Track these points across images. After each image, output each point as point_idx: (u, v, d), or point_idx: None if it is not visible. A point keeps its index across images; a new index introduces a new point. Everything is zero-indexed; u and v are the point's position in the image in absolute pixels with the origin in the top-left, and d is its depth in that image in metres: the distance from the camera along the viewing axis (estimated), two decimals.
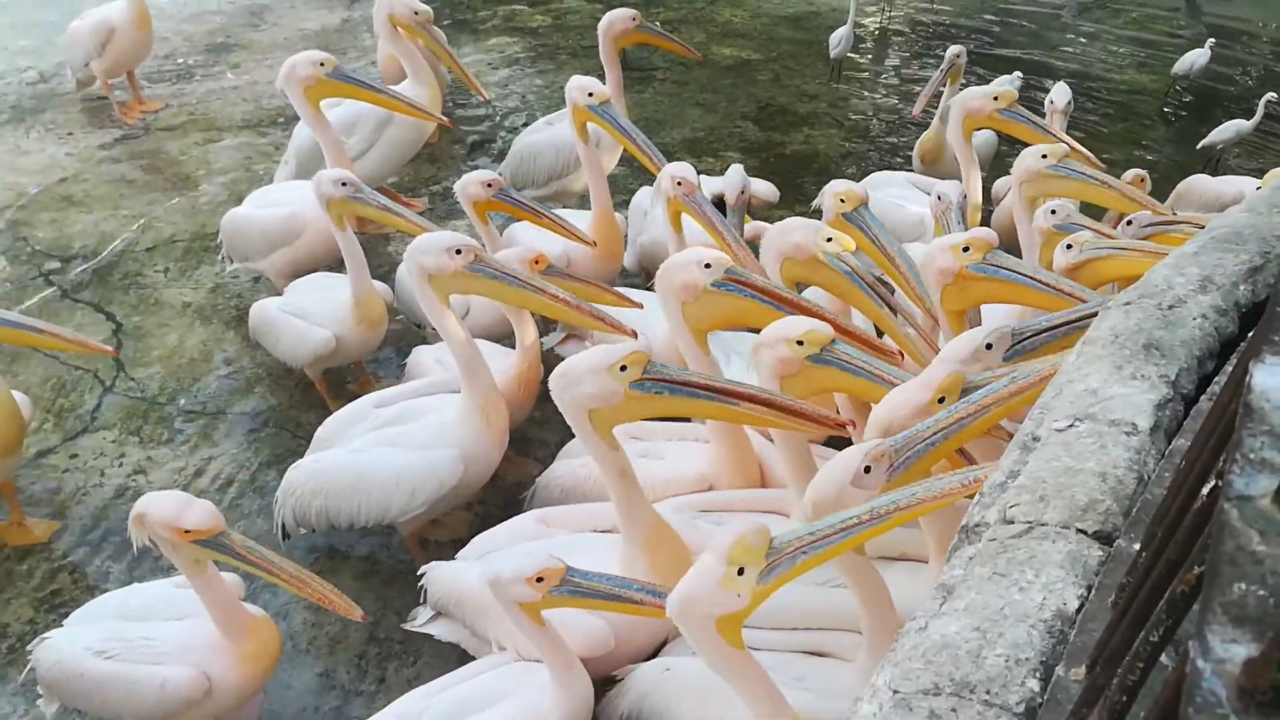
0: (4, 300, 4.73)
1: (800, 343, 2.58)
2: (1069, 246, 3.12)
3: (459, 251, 3.04)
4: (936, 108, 5.35)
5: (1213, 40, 6.78)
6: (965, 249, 2.88)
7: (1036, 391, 2.21)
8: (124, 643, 2.76)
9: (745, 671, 2.08)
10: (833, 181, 3.57)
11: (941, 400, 2.35)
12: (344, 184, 3.65)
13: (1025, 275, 2.88)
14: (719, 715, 2.38)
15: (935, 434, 2.15)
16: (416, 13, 4.79)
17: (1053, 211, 3.40)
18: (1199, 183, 4.75)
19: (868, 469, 2.14)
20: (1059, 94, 4.41)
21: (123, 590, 3.10)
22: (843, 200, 3.45)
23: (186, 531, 2.57)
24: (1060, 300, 2.80)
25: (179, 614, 2.83)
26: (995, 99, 4.05)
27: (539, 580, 2.34)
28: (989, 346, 2.52)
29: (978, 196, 4.19)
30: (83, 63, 6.04)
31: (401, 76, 5.59)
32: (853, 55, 7.32)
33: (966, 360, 2.43)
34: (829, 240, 3.08)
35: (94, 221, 5.43)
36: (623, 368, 2.44)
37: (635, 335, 3.10)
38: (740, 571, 1.94)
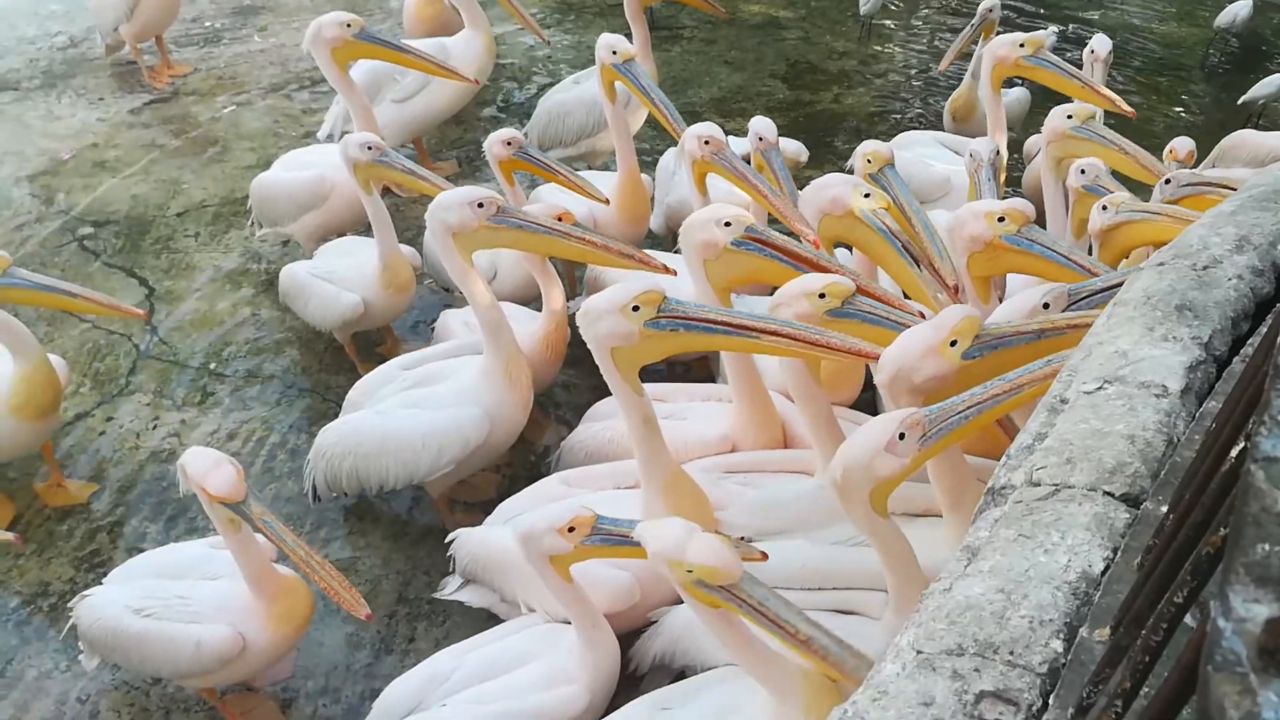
0: (38, 264, 4.80)
1: (822, 295, 2.56)
2: (1104, 208, 3.07)
3: (481, 205, 3.03)
4: (968, 65, 5.24)
5: None
6: (1001, 219, 2.84)
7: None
8: (161, 601, 2.82)
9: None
10: (865, 142, 3.53)
11: (954, 344, 2.33)
12: (370, 148, 3.65)
13: (1060, 254, 2.84)
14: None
15: (970, 408, 2.15)
16: None
17: (1082, 171, 3.34)
18: (1246, 137, 4.62)
19: (902, 435, 2.11)
20: (1100, 43, 4.30)
21: (161, 549, 3.17)
22: (869, 160, 3.41)
23: (212, 495, 2.61)
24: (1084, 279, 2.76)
25: (215, 574, 2.88)
26: (1022, 45, 4.00)
27: (570, 530, 2.36)
28: (1046, 306, 2.50)
29: (1004, 152, 4.13)
30: (112, 27, 6.06)
31: (430, 35, 5.60)
32: (884, 12, 7.18)
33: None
34: (867, 196, 3.05)
35: (125, 186, 5.48)
36: (635, 308, 2.45)
37: (674, 273, 3.09)
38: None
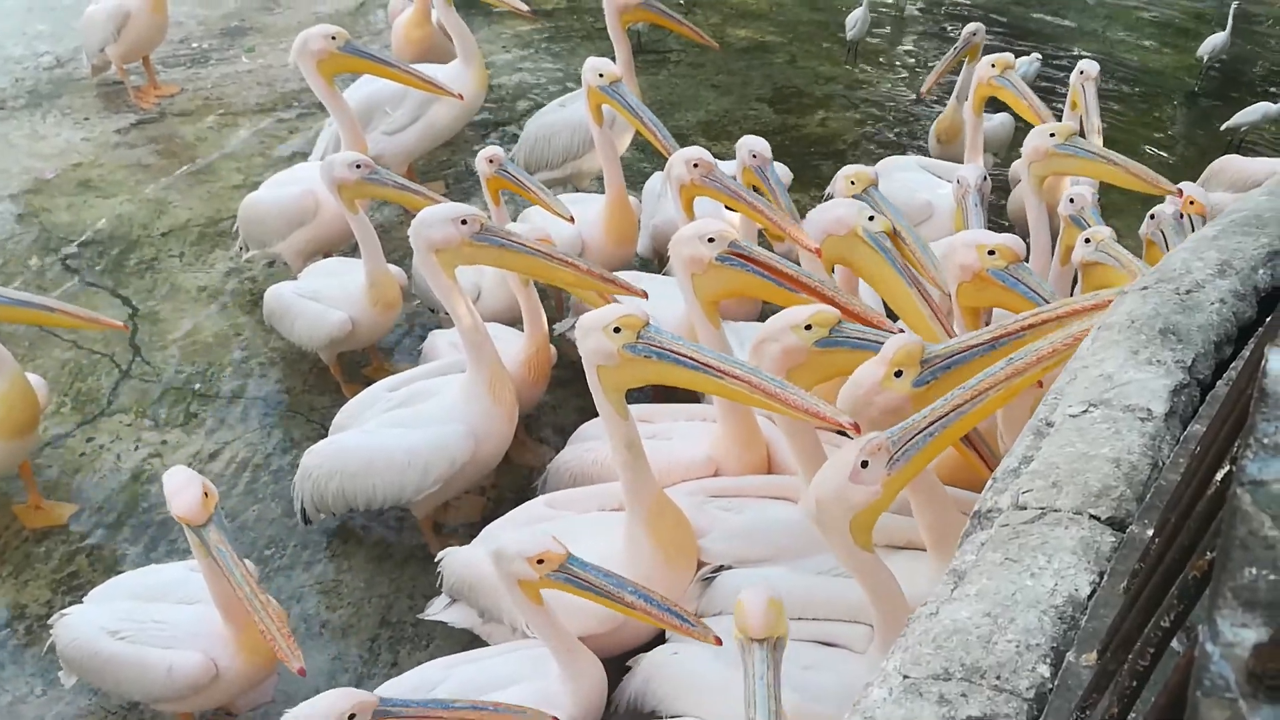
0: (20, 284, 4.76)
1: (808, 327, 2.56)
2: (1086, 241, 3.10)
3: (464, 222, 3.04)
4: (953, 88, 5.29)
5: (1235, 7, 6.64)
6: (991, 252, 2.86)
7: (1036, 373, 2.18)
8: (136, 624, 2.79)
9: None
10: (847, 166, 3.56)
11: (899, 374, 2.34)
12: (358, 166, 3.65)
13: (1042, 297, 2.85)
14: (718, 700, 2.39)
15: (933, 424, 2.12)
16: None
17: (1070, 200, 3.37)
18: (1232, 162, 4.68)
19: (865, 464, 2.08)
20: (1088, 65, 4.35)
21: (141, 571, 3.13)
22: (853, 182, 3.44)
23: (178, 514, 2.57)
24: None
25: (191, 597, 2.84)
26: (993, 65, 4.15)
27: (539, 561, 2.35)
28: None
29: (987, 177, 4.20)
30: (98, 47, 6.05)
31: (418, 60, 5.61)
32: (870, 37, 7.25)
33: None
34: (871, 219, 3.06)
35: (110, 206, 5.45)
36: (616, 329, 2.45)
37: (645, 295, 3.10)
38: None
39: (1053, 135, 3.53)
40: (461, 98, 4.58)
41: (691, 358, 2.45)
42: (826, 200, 3.55)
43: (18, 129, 6.09)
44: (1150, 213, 3.41)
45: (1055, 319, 2.38)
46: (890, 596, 2.26)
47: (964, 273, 2.89)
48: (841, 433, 2.66)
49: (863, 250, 3.09)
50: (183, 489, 2.57)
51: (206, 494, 2.58)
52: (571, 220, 3.95)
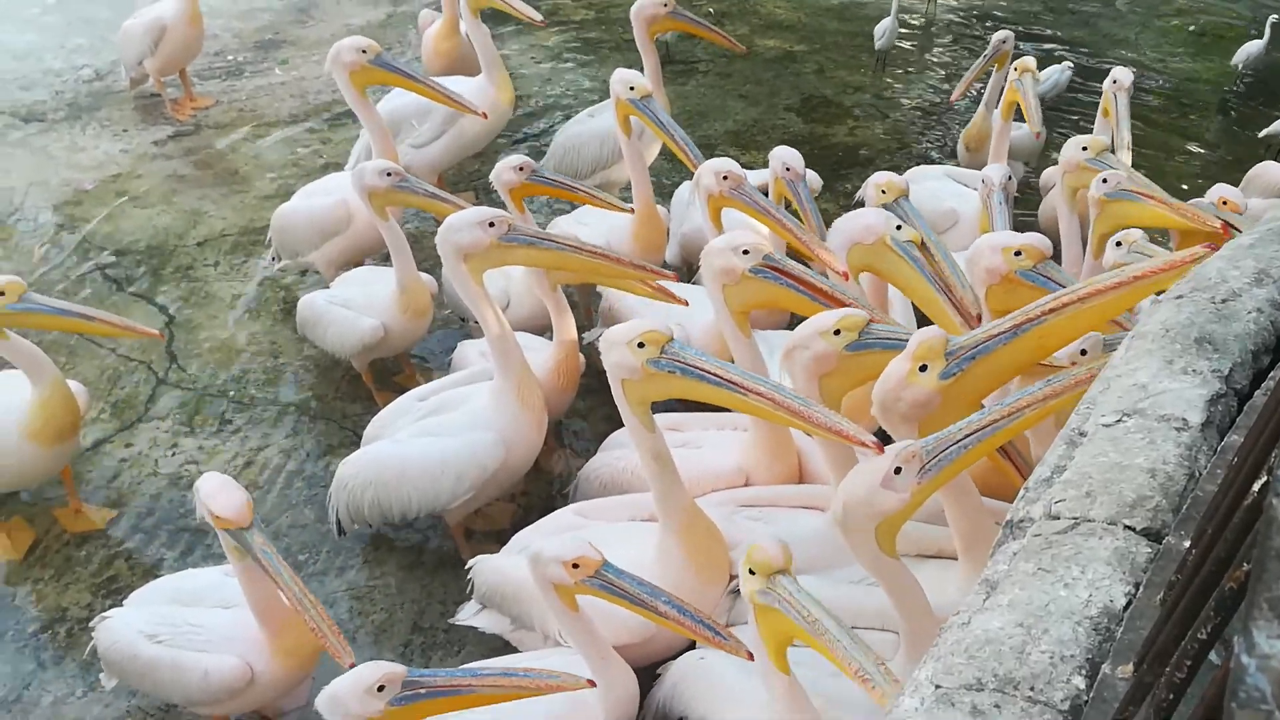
0: (60, 292, 4.86)
1: (837, 332, 2.55)
2: (1118, 244, 3.08)
3: (492, 224, 3.07)
4: (982, 95, 5.27)
5: (1274, 18, 6.58)
6: (1017, 253, 2.84)
7: (1073, 395, 2.17)
8: (174, 628, 2.83)
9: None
10: (878, 173, 3.55)
11: (924, 368, 2.34)
12: (389, 174, 3.69)
13: None
14: (745, 704, 2.39)
15: (968, 436, 2.13)
16: None
17: (1105, 180, 3.32)
18: (1268, 169, 4.65)
19: (898, 470, 2.09)
20: (1121, 74, 4.33)
21: (178, 575, 3.18)
22: (884, 191, 3.43)
23: (218, 517, 2.61)
24: None
25: (227, 602, 2.89)
26: (1015, 68, 4.33)
27: (575, 566, 2.36)
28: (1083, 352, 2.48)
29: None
30: (136, 61, 6.16)
31: (447, 72, 5.67)
32: (899, 46, 7.24)
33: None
34: (899, 228, 3.06)
35: (147, 216, 5.55)
36: (640, 344, 2.47)
37: (686, 303, 3.11)
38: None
39: (1085, 149, 3.54)
40: (486, 116, 4.62)
41: (715, 374, 2.45)
42: (856, 208, 3.56)
43: (57, 141, 6.21)
44: (1116, 239, 3.37)
45: (1077, 300, 2.35)
46: (914, 603, 2.26)
47: (991, 276, 2.85)
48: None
49: (891, 258, 3.09)
50: (223, 492, 2.62)
51: (245, 496, 2.63)
52: (632, 211, 4.00)
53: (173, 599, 2.95)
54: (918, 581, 2.27)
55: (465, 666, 2.42)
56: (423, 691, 2.20)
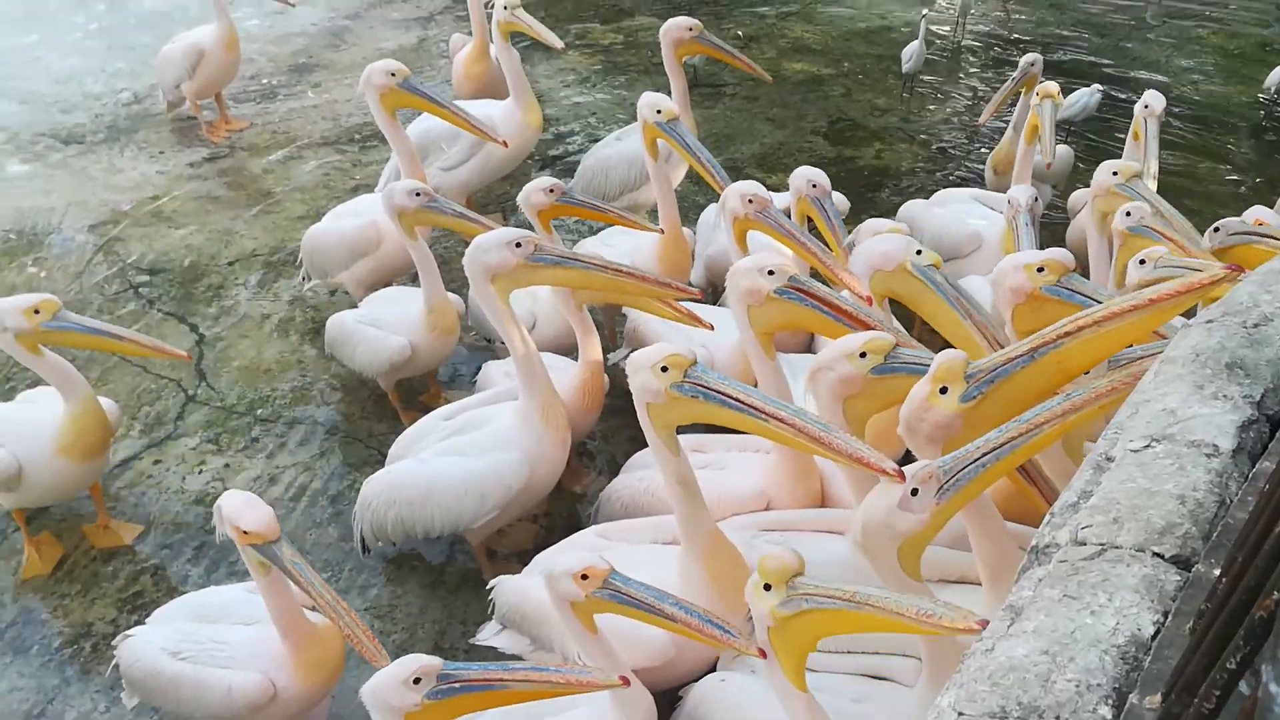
0: (95, 310, 4.94)
1: (863, 355, 2.54)
2: (1142, 262, 3.03)
3: (519, 244, 3.09)
4: (1010, 118, 5.25)
5: None
6: (1040, 269, 2.79)
7: (1093, 410, 2.14)
8: (197, 644, 2.85)
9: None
10: (868, 221, 3.54)
11: (944, 390, 2.31)
12: (418, 194, 3.73)
13: (1100, 302, 2.79)
14: None
15: (985, 454, 2.10)
16: (506, 6, 4.96)
17: (1128, 214, 3.29)
18: None
19: (915, 491, 2.09)
20: (1153, 99, 4.28)
21: (201, 592, 3.20)
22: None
23: (245, 533, 2.63)
24: None
25: (250, 618, 2.90)
26: (1037, 94, 4.35)
27: (584, 578, 2.35)
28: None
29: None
30: (174, 85, 6.28)
31: (478, 95, 5.73)
32: (926, 70, 7.23)
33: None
34: (919, 252, 3.03)
35: (181, 237, 5.64)
36: (664, 368, 2.46)
37: (712, 327, 3.10)
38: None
39: (1115, 174, 3.51)
40: (506, 144, 4.65)
41: (738, 399, 2.44)
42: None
43: (96, 163, 6.33)
44: (1215, 226, 3.32)
45: (1094, 323, 2.30)
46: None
47: (1016, 296, 2.79)
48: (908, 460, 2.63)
49: (913, 285, 3.06)
50: (250, 506, 2.64)
51: (269, 510, 2.66)
52: (662, 232, 4.02)
53: (196, 616, 2.97)
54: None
55: (498, 663, 2.42)
56: (458, 685, 2.22)
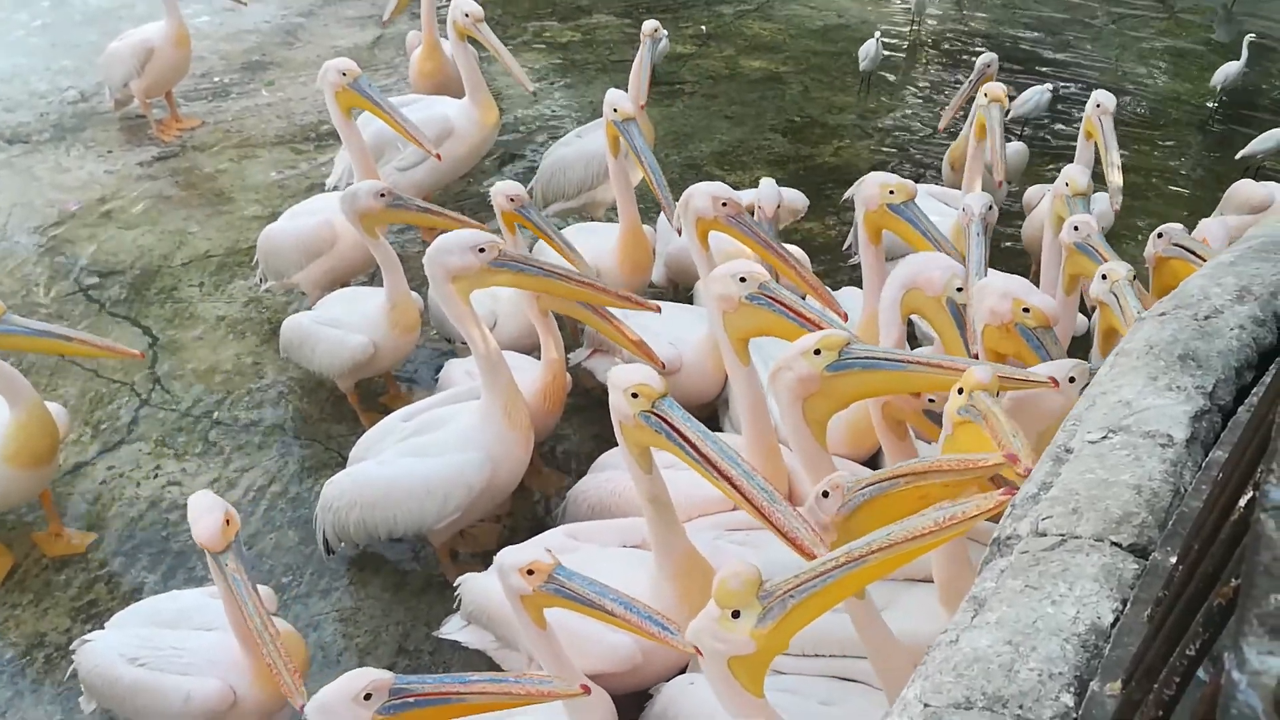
0: (43, 314, 4.82)
1: (818, 352, 2.56)
2: (1104, 277, 3.09)
3: (482, 250, 3.07)
4: (966, 117, 5.31)
5: (1250, 37, 6.67)
6: (1026, 309, 2.85)
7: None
8: (156, 651, 2.80)
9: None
10: (871, 173, 3.53)
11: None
12: (382, 195, 3.69)
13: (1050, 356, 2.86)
14: None
15: (885, 481, 2.20)
16: (467, 14, 4.89)
17: (1075, 228, 3.36)
18: (1244, 185, 4.74)
19: (825, 494, 2.22)
20: (1105, 98, 4.33)
21: (161, 597, 3.15)
22: (892, 192, 3.41)
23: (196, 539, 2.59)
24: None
25: (210, 624, 2.85)
26: (985, 94, 4.30)
27: (530, 573, 2.32)
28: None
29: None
30: (122, 83, 6.15)
31: (434, 92, 5.68)
32: (883, 68, 7.30)
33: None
34: (959, 289, 3.03)
35: (131, 237, 5.52)
36: (634, 394, 2.46)
37: (663, 366, 3.13)
38: (736, 615, 1.89)
39: (1067, 185, 3.60)
40: (440, 158, 4.61)
41: (695, 447, 2.41)
42: (848, 221, 3.55)
43: (42, 162, 6.18)
44: (1159, 231, 3.40)
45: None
46: (885, 648, 2.26)
47: (993, 318, 2.89)
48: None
49: (943, 317, 3.08)
50: (204, 515, 2.59)
51: (228, 521, 2.60)
52: (590, 270, 4.00)
53: (155, 621, 2.91)
54: (886, 628, 2.28)
55: (452, 674, 2.38)
56: (411, 700, 2.15)
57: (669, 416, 2.45)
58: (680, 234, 4.01)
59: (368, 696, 2.13)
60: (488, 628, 3.02)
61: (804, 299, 3.05)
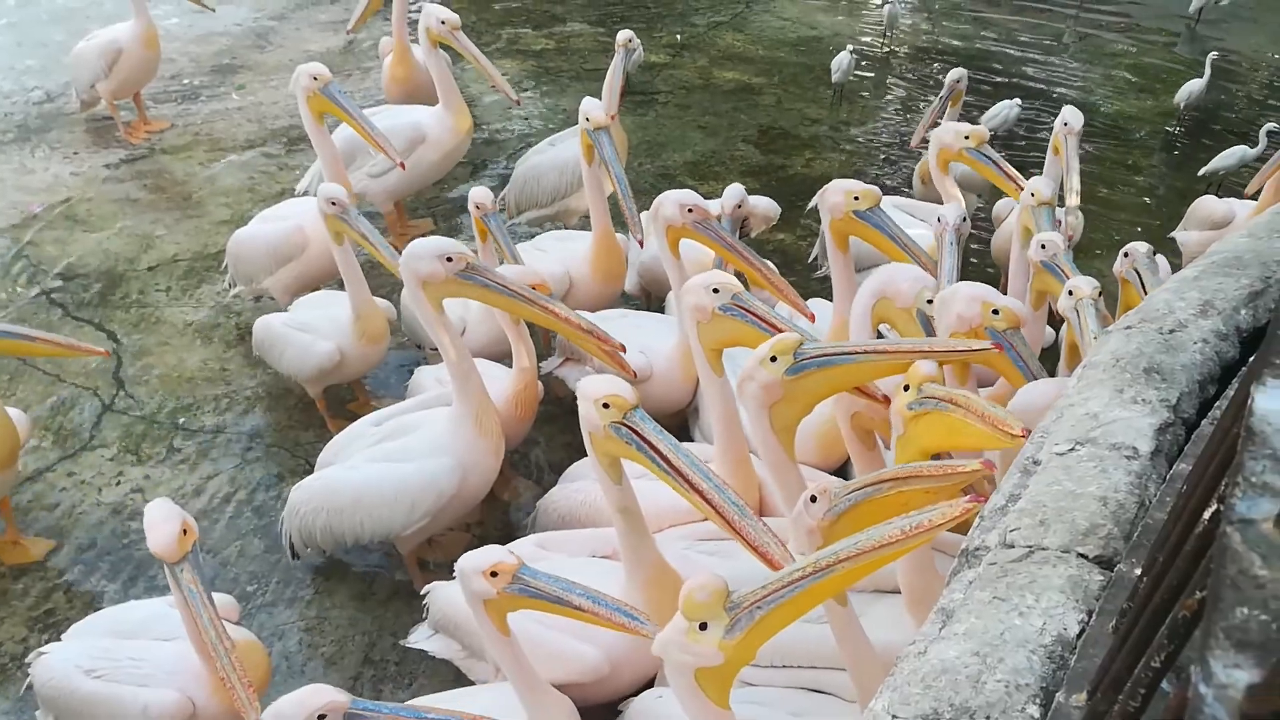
0: (5, 317, 4.73)
1: (774, 358, 2.57)
2: (1070, 293, 3.12)
3: (450, 259, 3.05)
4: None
5: (1214, 57, 6.80)
6: (995, 311, 2.86)
7: (931, 491, 2.15)
8: (113, 662, 2.74)
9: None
10: (834, 181, 3.52)
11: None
12: (334, 203, 3.66)
13: (1029, 368, 2.88)
14: None
15: (870, 486, 2.19)
16: (443, 21, 4.85)
17: (1042, 246, 3.40)
18: (1206, 201, 4.86)
19: (813, 499, 2.20)
20: (1073, 117, 4.36)
21: (120, 607, 3.09)
22: (856, 198, 3.42)
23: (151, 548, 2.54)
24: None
25: (169, 634, 2.80)
26: (967, 138, 4.10)
27: (493, 574, 2.30)
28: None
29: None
30: (89, 84, 6.06)
31: (406, 99, 5.65)
32: (855, 80, 7.36)
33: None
34: (929, 301, 3.02)
35: (97, 241, 5.44)
36: (605, 405, 2.45)
37: (634, 375, 3.11)
38: (703, 626, 1.88)
39: (1033, 195, 3.65)
40: (404, 166, 4.59)
41: (666, 459, 2.41)
42: (815, 229, 3.57)
43: (6, 163, 6.08)
44: (1124, 250, 3.45)
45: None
46: (861, 655, 2.25)
47: (961, 323, 2.87)
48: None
49: (912, 327, 3.08)
50: (160, 524, 2.54)
51: (185, 530, 2.56)
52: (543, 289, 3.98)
53: (113, 632, 2.86)
54: (863, 633, 2.28)
55: (411, 703, 2.35)
56: None
57: (640, 428, 2.44)
58: (642, 246, 4.05)
59: (321, 717, 2.09)
60: (454, 636, 3.00)
61: (774, 308, 3.06)
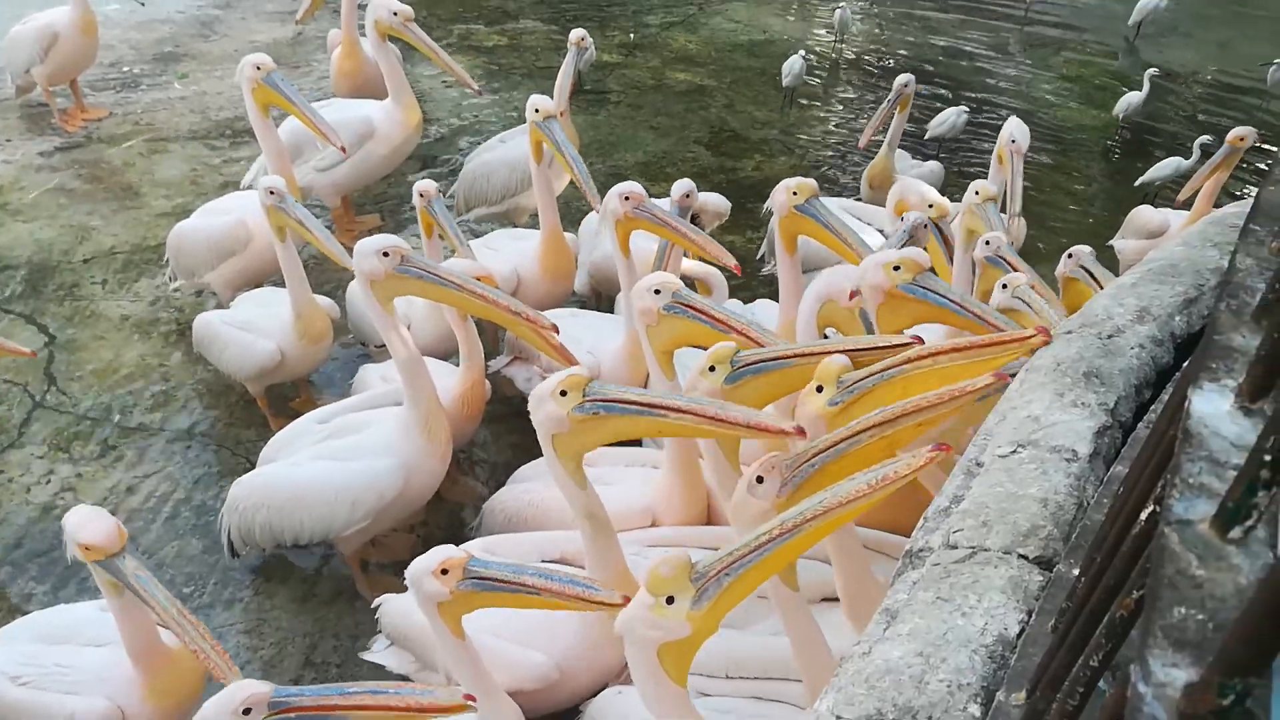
0: None
1: (712, 368, 2.58)
2: (1004, 286, 3.17)
3: (386, 254, 3.02)
4: (885, 135, 5.43)
5: (1152, 71, 6.99)
6: (896, 268, 2.86)
7: (931, 418, 2.17)
8: (40, 669, 2.66)
9: (679, 712, 2.00)
10: (786, 180, 3.54)
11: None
12: (271, 193, 3.59)
13: (953, 301, 2.86)
14: None
15: (822, 452, 2.16)
16: (395, 13, 4.77)
17: (986, 243, 3.46)
18: (1142, 211, 5.00)
19: (760, 479, 2.15)
20: (1020, 134, 4.40)
21: (48, 610, 2.98)
22: (795, 193, 3.44)
23: (87, 548, 2.46)
24: (981, 328, 2.78)
25: (99, 640, 2.72)
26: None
27: (444, 572, 2.26)
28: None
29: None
30: (24, 68, 5.88)
31: (355, 93, 5.57)
32: (805, 84, 7.42)
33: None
34: (897, 269, 3.00)
35: (29, 230, 5.28)
36: (563, 393, 2.42)
37: (575, 362, 3.09)
38: (670, 600, 1.89)
39: (977, 193, 3.69)
40: (345, 150, 4.49)
41: (636, 402, 2.41)
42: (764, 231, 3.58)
43: None
44: (1068, 251, 3.51)
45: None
46: (815, 652, 2.26)
47: (876, 294, 2.83)
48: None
49: (857, 329, 3.08)
50: (92, 519, 2.47)
51: (116, 525, 2.49)
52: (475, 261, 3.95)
53: (40, 637, 2.76)
54: (818, 629, 2.27)
55: (333, 685, 2.31)
56: (290, 714, 2.09)
57: (603, 394, 2.42)
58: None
59: (246, 711, 2.06)
60: (406, 648, 2.95)
61: (722, 306, 3.06)
